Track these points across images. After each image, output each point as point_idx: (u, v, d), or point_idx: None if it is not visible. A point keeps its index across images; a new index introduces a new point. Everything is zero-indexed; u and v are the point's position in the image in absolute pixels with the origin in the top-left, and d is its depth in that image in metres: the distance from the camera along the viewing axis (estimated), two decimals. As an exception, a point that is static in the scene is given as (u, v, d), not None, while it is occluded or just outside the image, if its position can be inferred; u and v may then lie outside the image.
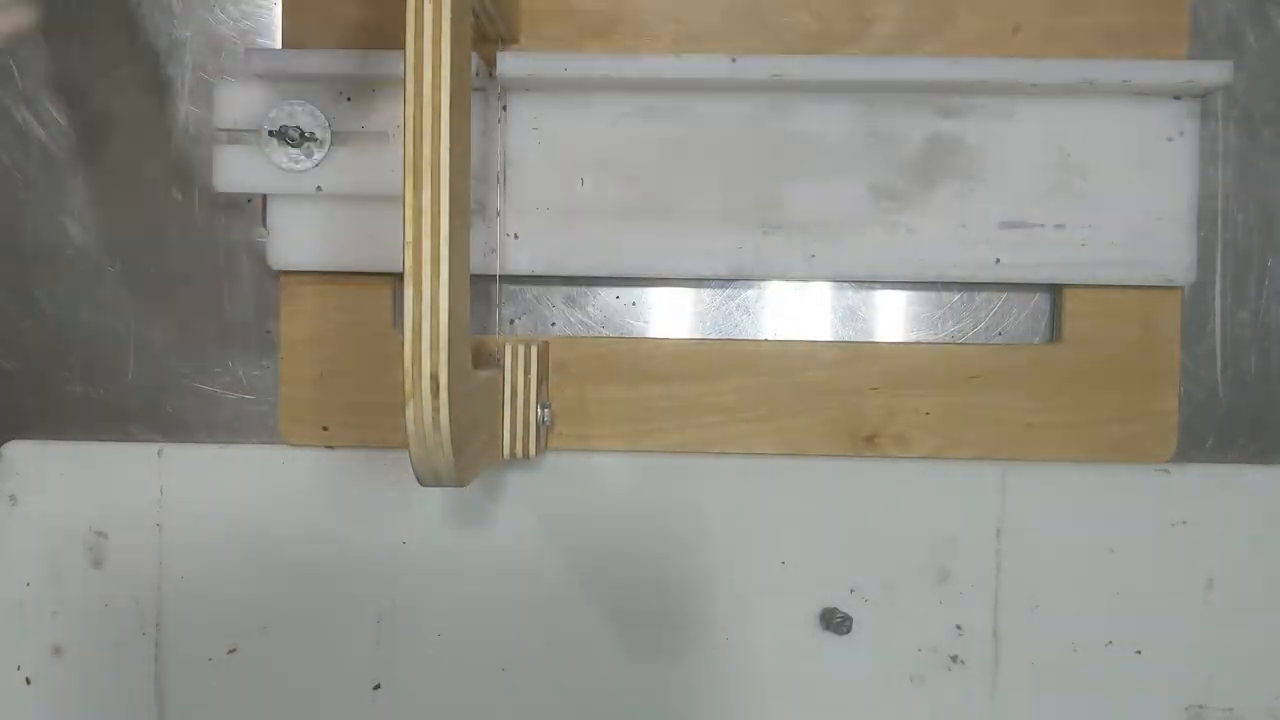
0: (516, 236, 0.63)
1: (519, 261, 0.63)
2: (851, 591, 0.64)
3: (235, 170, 0.62)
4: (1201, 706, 0.64)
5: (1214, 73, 0.60)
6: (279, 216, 0.63)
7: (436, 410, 0.42)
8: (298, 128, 0.61)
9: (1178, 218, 0.62)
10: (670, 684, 0.65)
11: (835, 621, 0.62)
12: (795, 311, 0.66)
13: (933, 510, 0.64)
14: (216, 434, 0.67)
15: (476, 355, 0.44)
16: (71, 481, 0.65)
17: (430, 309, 0.43)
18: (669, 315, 0.67)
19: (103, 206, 0.66)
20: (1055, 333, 0.65)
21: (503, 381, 0.59)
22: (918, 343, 0.66)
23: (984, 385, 0.64)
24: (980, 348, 0.65)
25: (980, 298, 0.66)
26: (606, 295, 0.67)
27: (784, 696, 0.65)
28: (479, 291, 0.67)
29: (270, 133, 0.61)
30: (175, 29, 0.66)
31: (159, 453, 0.65)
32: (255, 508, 0.65)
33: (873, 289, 0.66)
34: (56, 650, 0.65)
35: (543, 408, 0.60)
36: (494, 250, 0.63)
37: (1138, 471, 0.64)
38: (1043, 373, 0.64)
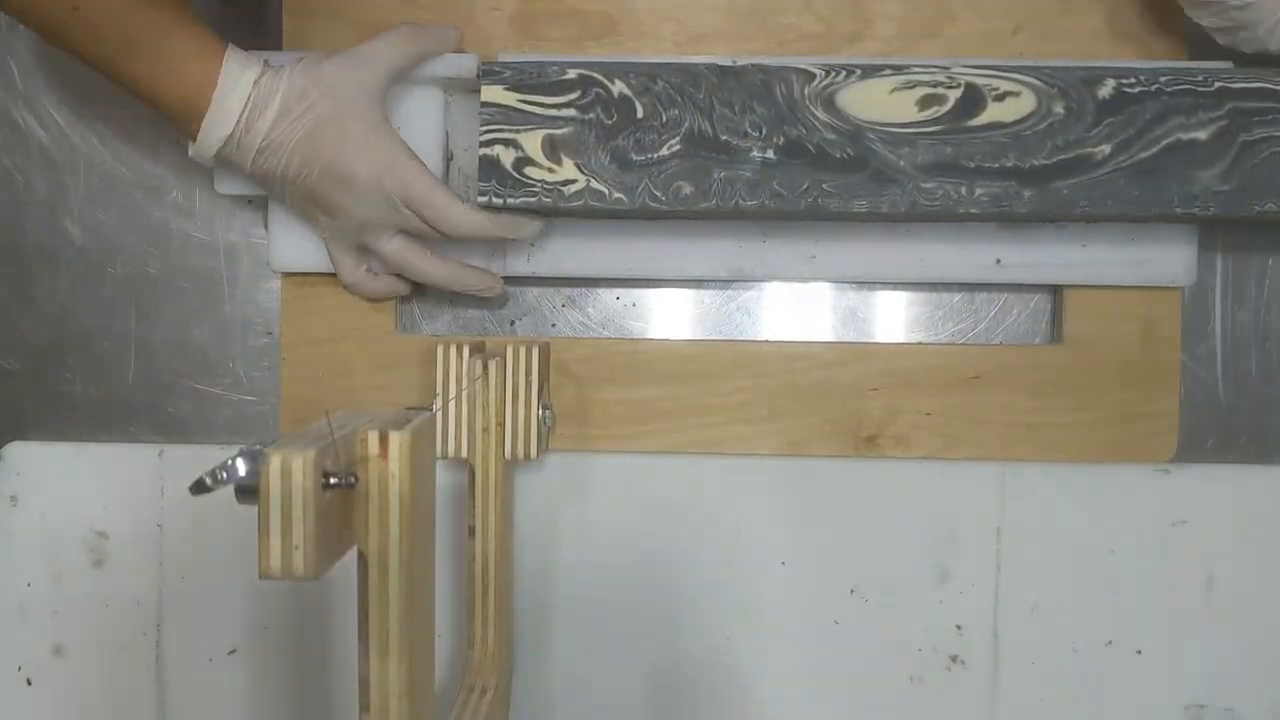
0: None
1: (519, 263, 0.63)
2: (851, 592, 0.65)
3: (237, 173, 0.62)
4: (1201, 706, 0.64)
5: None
6: (280, 219, 0.63)
7: None
8: (298, 129, 0.61)
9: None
10: (671, 682, 0.65)
11: None
12: (795, 312, 0.66)
13: (933, 510, 0.64)
14: (217, 435, 0.67)
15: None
16: (72, 482, 0.65)
17: None
18: (669, 316, 0.67)
19: (104, 208, 0.66)
20: (1056, 333, 0.65)
21: (503, 385, 0.59)
22: (918, 343, 0.66)
23: (984, 386, 0.64)
24: (981, 348, 0.65)
25: (980, 298, 0.66)
26: (607, 296, 0.66)
27: (785, 696, 0.65)
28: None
29: (271, 134, 0.61)
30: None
31: (160, 453, 0.65)
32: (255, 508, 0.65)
33: (873, 289, 0.66)
34: (57, 650, 0.65)
35: (544, 409, 0.60)
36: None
37: (1138, 471, 0.64)
38: (1043, 373, 0.64)
